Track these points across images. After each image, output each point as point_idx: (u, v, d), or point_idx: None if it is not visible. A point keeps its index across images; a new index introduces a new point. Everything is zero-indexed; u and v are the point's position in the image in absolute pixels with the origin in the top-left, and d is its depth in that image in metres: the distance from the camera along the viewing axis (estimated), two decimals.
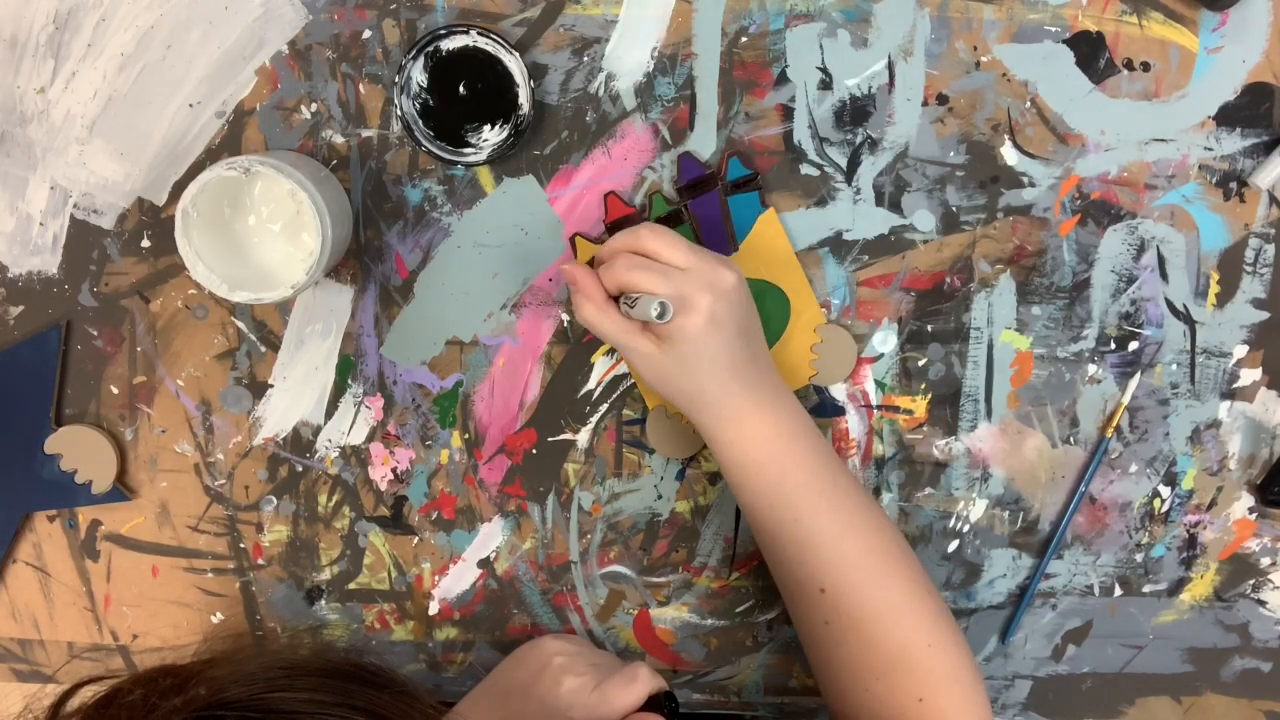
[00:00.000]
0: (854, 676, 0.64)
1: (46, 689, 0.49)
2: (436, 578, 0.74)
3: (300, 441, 0.72)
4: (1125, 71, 0.69)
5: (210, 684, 0.45)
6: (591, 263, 0.68)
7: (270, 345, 0.71)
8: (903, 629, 0.63)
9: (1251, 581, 0.76)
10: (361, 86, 0.68)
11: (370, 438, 0.72)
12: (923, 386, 0.73)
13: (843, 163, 0.70)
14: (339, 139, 0.69)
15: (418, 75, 0.67)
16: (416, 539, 0.73)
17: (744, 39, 0.68)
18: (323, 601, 0.74)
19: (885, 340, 0.72)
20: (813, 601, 0.64)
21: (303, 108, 0.68)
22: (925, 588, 0.65)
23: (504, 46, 0.66)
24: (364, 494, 0.73)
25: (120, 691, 0.46)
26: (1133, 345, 0.73)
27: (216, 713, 0.43)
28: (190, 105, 0.68)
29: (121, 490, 0.71)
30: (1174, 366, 0.73)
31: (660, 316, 0.58)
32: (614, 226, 0.69)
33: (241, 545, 0.73)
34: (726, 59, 0.69)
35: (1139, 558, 0.75)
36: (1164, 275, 0.72)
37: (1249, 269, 0.72)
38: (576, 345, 0.71)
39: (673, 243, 0.62)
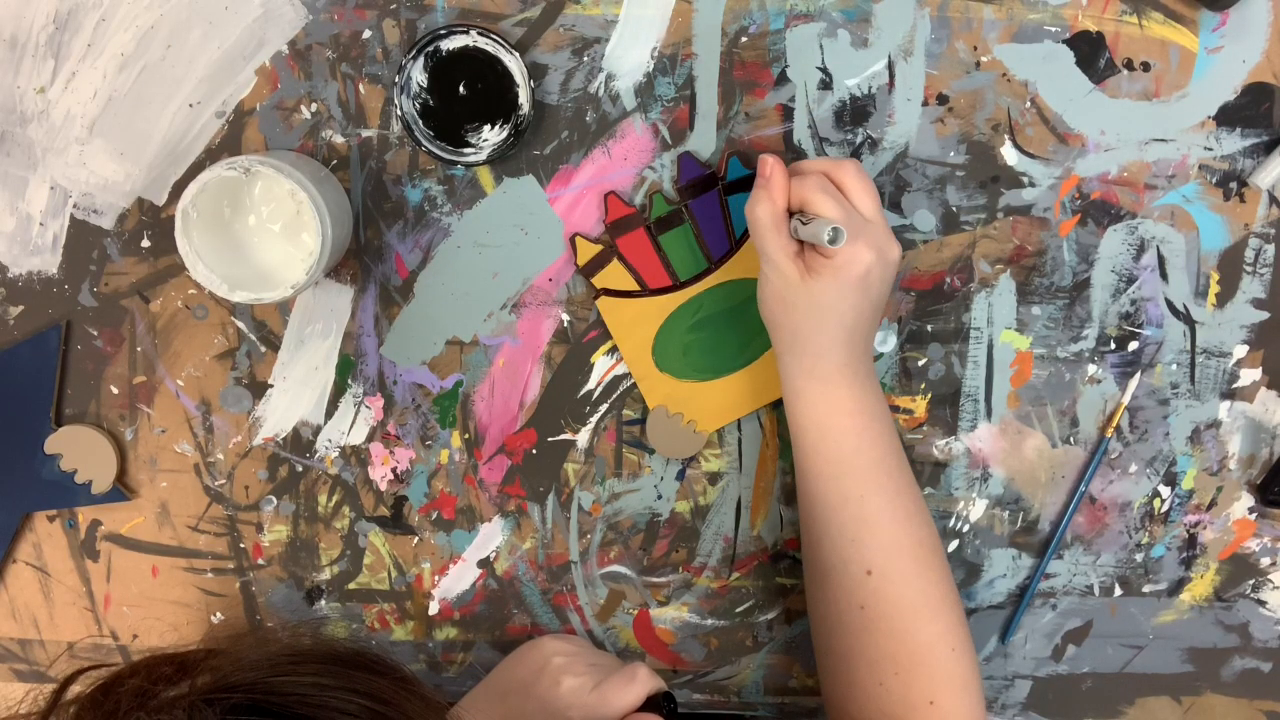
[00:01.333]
0: (872, 668, 0.64)
1: (46, 687, 0.49)
2: (436, 578, 0.74)
3: (300, 441, 0.72)
4: (1125, 71, 0.69)
5: (213, 671, 0.46)
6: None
7: (270, 345, 0.71)
8: (934, 627, 0.63)
9: (1251, 581, 0.76)
10: (361, 86, 0.68)
11: (370, 438, 0.72)
12: (923, 386, 0.73)
13: None
14: (339, 139, 0.69)
15: (418, 75, 0.67)
16: (416, 539, 0.73)
17: (744, 39, 0.68)
18: (323, 601, 0.74)
19: (885, 340, 0.72)
20: (855, 582, 0.63)
21: (303, 108, 0.68)
22: (955, 589, 0.65)
23: (504, 46, 0.66)
24: (364, 494, 0.73)
25: (120, 678, 0.46)
26: (1133, 345, 0.73)
27: (220, 696, 0.44)
28: (190, 105, 0.68)
29: (121, 490, 0.71)
30: (1174, 366, 0.73)
31: (832, 241, 0.57)
32: (614, 226, 0.69)
33: (241, 545, 0.73)
34: (726, 59, 0.69)
35: (1139, 558, 0.75)
36: (1164, 275, 0.72)
37: (1249, 269, 0.72)
38: (576, 345, 0.71)
39: (869, 189, 0.62)
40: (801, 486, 0.66)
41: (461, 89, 0.67)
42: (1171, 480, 0.74)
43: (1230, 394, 0.73)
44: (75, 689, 0.48)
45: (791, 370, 0.64)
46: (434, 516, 0.73)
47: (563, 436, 0.73)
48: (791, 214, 0.62)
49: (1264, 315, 0.72)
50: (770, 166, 0.62)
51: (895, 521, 0.63)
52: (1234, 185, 0.71)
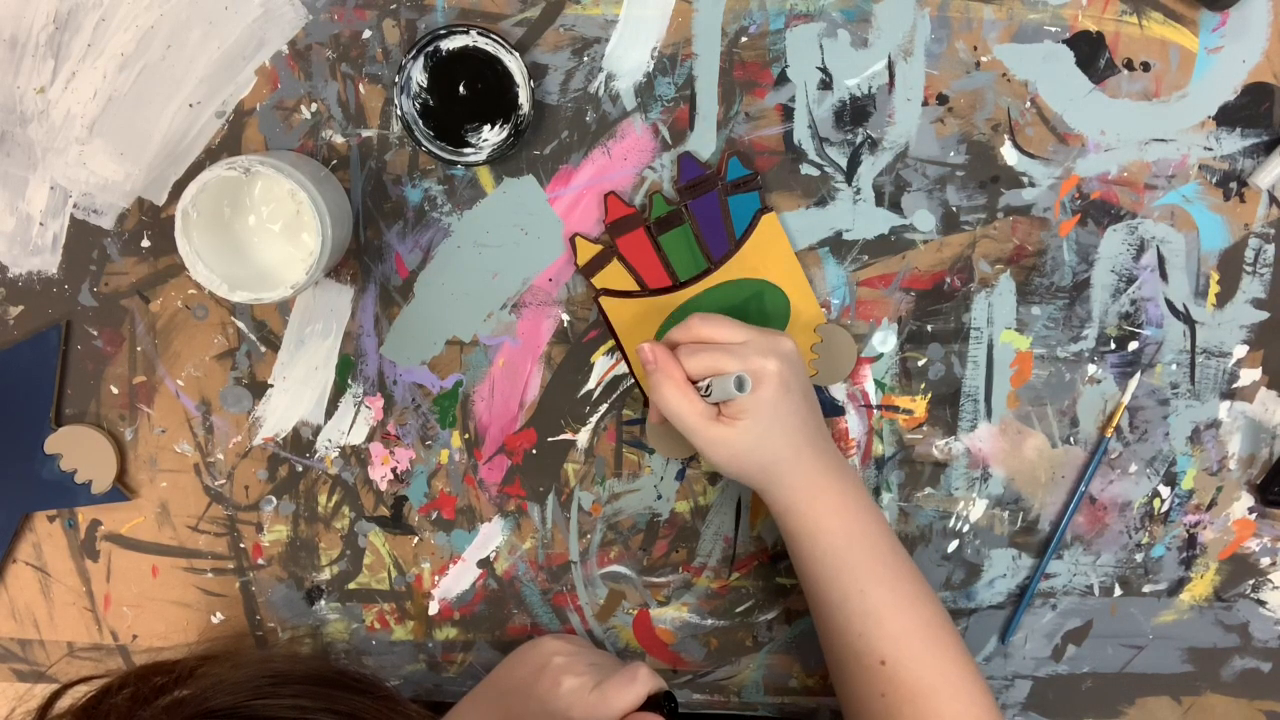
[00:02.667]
0: None
1: (35, 689, 0.49)
2: (436, 578, 0.74)
3: (300, 441, 0.72)
4: (1125, 71, 0.69)
5: (196, 690, 0.46)
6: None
7: (270, 345, 0.71)
8: (956, 705, 0.63)
9: (1251, 581, 0.76)
10: (361, 86, 0.68)
11: (370, 438, 0.72)
12: (923, 386, 0.73)
13: (843, 163, 0.70)
14: (339, 139, 0.69)
15: (418, 75, 0.67)
16: (416, 539, 0.73)
17: (744, 39, 0.68)
18: (323, 601, 0.74)
19: (885, 340, 0.72)
20: (871, 674, 0.64)
21: (303, 108, 0.68)
22: (972, 663, 0.65)
23: (504, 46, 0.66)
24: (364, 494, 0.73)
25: (110, 691, 0.46)
26: (1133, 345, 0.73)
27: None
28: (190, 105, 0.68)
29: (121, 490, 0.71)
30: (1174, 366, 0.73)
31: (740, 388, 0.59)
32: (614, 226, 0.69)
33: (241, 545, 0.73)
34: (726, 59, 0.69)
35: (1139, 558, 0.75)
36: (1164, 275, 0.72)
37: (1249, 269, 0.72)
38: (576, 345, 0.71)
39: (725, 322, 0.63)
40: (805, 590, 0.67)
41: (461, 89, 0.67)
42: (1171, 480, 0.74)
43: (1230, 394, 0.73)
44: (65, 701, 0.48)
45: (777, 495, 0.65)
46: (434, 516, 0.73)
47: (563, 436, 0.73)
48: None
49: (1264, 315, 0.72)
50: (650, 351, 0.63)
51: (899, 609, 0.64)
52: (1234, 185, 0.71)
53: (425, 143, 0.67)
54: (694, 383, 0.63)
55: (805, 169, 0.70)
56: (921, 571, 0.66)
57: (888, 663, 0.63)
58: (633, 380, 0.72)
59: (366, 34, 0.68)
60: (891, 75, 0.69)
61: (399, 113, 0.67)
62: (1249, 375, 0.73)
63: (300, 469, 0.72)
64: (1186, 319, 0.72)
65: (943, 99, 0.69)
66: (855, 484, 0.66)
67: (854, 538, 0.64)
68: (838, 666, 0.67)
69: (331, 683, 0.48)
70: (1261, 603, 0.76)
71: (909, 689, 0.63)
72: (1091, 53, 0.69)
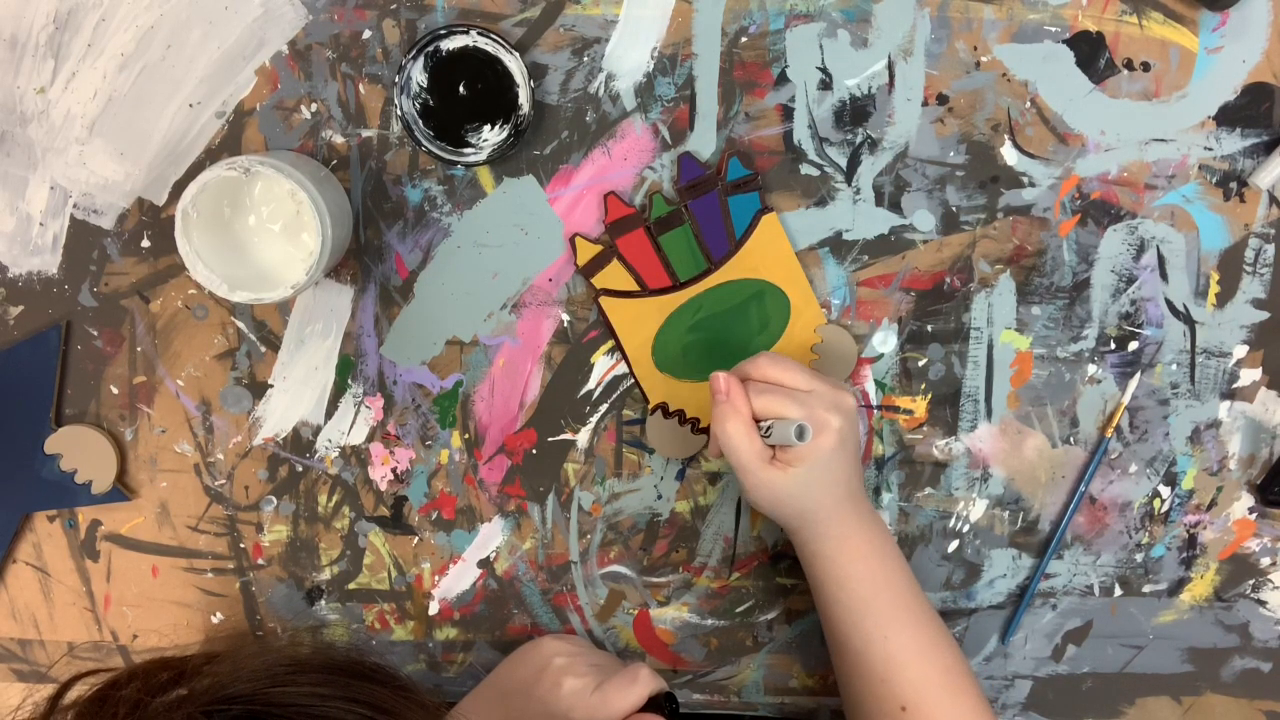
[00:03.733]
0: None
1: (43, 692, 0.49)
2: (436, 578, 0.74)
3: (300, 441, 0.72)
4: (1125, 71, 0.69)
5: (212, 679, 0.46)
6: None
7: (270, 345, 0.71)
8: None
9: (1251, 581, 0.76)
10: (361, 86, 0.68)
11: (370, 438, 0.72)
12: (923, 386, 0.73)
13: (843, 163, 0.70)
14: (339, 139, 0.69)
15: (418, 75, 0.67)
16: (416, 539, 0.73)
17: (744, 39, 0.68)
18: (323, 601, 0.74)
19: (885, 340, 0.72)
20: (892, 719, 0.64)
21: (303, 108, 0.68)
22: (989, 709, 0.65)
23: (504, 46, 0.66)
24: (364, 494, 0.73)
25: (117, 684, 0.46)
26: (1133, 345, 0.73)
27: (220, 708, 0.44)
28: (190, 105, 0.68)
29: (121, 490, 0.71)
30: (1174, 366, 0.73)
31: (800, 437, 0.59)
32: (614, 226, 0.69)
33: (241, 545, 0.73)
34: (726, 59, 0.69)
35: (1139, 558, 0.75)
36: (1164, 275, 0.72)
37: (1249, 269, 0.72)
38: (576, 345, 0.71)
39: (792, 367, 0.63)
40: (827, 632, 0.67)
41: (461, 89, 0.67)
42: (1171, 480, 0.74)
43: (1230, 394, 0.73)
44: (72, 694, 0.48)
45: (804, 539, 0.66)
46: (434, 516, 0.73)
47: (563, 436, 0.73)
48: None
49: (1264, 315, 0.72)
50: (725, 381, 0.63)
51: (922, 655, 0.64)
52: (1234, 185, 0.71)
53: (425, 143, 0.67)
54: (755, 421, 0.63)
55: (805, 169, 0.70)
56: (931, 605, 0.67)
57: (909, 709, 0.64)
58: (633, 380, 0.72)
59: (366, 34, 0.68)
60: (891, 75, 0.69)
61: (399, 113, 0.67)
62: (1249, 375, 0.73)
63: (300, 469, 0.72)
64: (1186, 319, 0.72)
65: (943, 99, 0.69)
66: (882, 532, 0.66)
67: (879, 584, 0.65)
68: (857, 709, 0.67)
69: (348, 671, 0.48)
70: (1261, 603, 0.76)
71: None
72: (1091, 53, 0.69)
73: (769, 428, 0.62)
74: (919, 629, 0.65)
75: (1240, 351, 0.73)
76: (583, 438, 0.73)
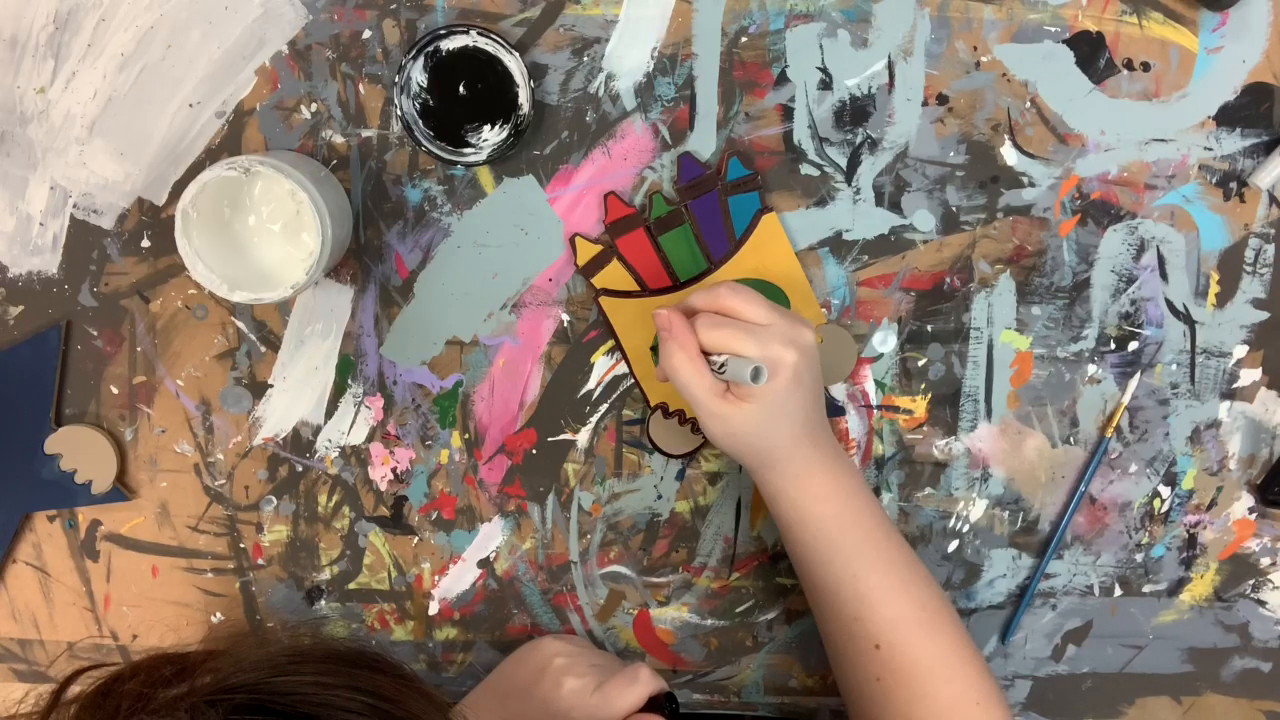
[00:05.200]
0: None
1: (46, 687, 0.49)
2: (436, 578, 0.74)
3: (300, 441, 0.72)
4: (1125, 71, 0.69)
5: (214, 671, 0.46)
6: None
7: (270, 345, 0.71)
8: (955, 685, 0.63)
9: (1251, 581, 0.76)
10: (361, 86, 0.68)
11: (370, 438, 0.72)
12: (923, 386, 0.73)
13: (843, 163, 0.70)
14: (339, 139, 0.69)
15: (418, 75, 0.67)
16: (416, 539, 0.73)
17: (744, 39, 0.68)
18: (323, 602, 0.74)
19: (885, 340, 0.72)
20: (867, 658, 0.64)
21: (303, 108, 0.68)
22: (971, 645, 0.65)
23: (504, 46, 0.66)
24: (364, 494, 0.73)
25: (120, 679, 0.46)
26: (1133, 345, 0.73)
27: (223, 696, 0.44)
28: (190, 105, 0.68)
29: (121, 490, 0.71)
30: (1174, 366, 0.73)
31: (755, 379, 0.58)
32: (614, 226, 0.69)
33: (241, 545, 0.73)
34: (726, 59, 0.69)
35: (1139, 558, 0.75)
36: (1164, 275, 0.72)
37: (1249, 269, 0.72)
38: (576, 345, 0.71)
39: (753, 300, 0.62)
40: (799, 575, 0.67)
41: (461, 89, 0.67)
42: (1171, 480, 0.74)
43: (1230, 394, 0.73)
44: (75, 689, 0.48)
45: (766, 479, 0.65)
46: (434, 516, 0.73)
47: (563, 436, 0.73)
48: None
49: (1264, 315, 0.72)
50: (665, 317, 0.62)
51: (894, 592, 0.64)
52: (1234, 185, 0.71)
53: (425, 143, 0.67)
54: (707, 354, 0.62)
55: (805, 169, 0.70)
56: (918, 558, 0.66)
57: (882, 647, 0.63)
58: (633, 380, 0.72)
59: (366, 34, 0.68)
60: (891, 75, 0.69)
61: (399, 113, 0.67)
62: (1249, 375, 0.73)
63: (300, 469, 0.72)
64: (1186, 319, 0.72)
65: (943, 99, 0.69)
66: (848, 472, 0.65)
67: (845, 524, 0.64)
68: (834, 651, 0.67)
69: (352, 661, 0.48)
70: (1261, 603, 0.76)
71: (905, 672, 0.63)
72: (1091, 53, 0.69)
73: (723, 364, 0.60)
74: (890, 567, 0.64)
75: (1240, 351, 0.73)
76: (583, 438, 0.73)
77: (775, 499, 0.65)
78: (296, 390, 0.71)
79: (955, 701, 0.63)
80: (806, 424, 0.63)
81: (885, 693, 0.64)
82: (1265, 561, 0.75)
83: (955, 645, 0.64)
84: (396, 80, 0.67)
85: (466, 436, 0.72)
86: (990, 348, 0.72)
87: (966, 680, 0.64)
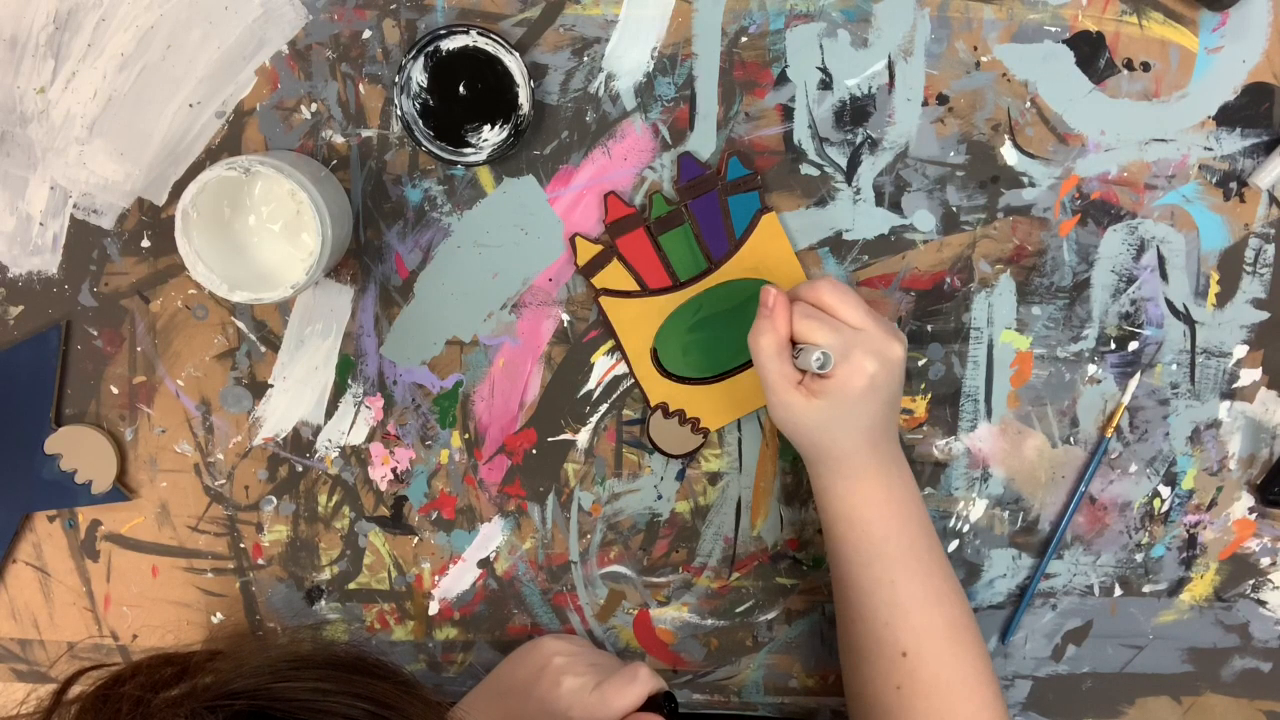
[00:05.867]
0: None
1: (46, 688, 0.49)
2: (436, 578, 0.74)
3: (300, 441, 0.72)
4: (1125, 71, 0.69)
5: (215, 675, 0.46)
6: None
7: (270, 345, 0.71)
8: (970, 705, 0.64)
9: (1251, 581, 0.76)
10: (361, 86, 0.68)
11: (370, 438, 0.72)
12: (923, 386, 0.73)
13: (843, 163, 0.70)
14: (339, 139, 0.69)
15: (418, 75, 0.67)
16: (416, 539, 0.73)
17: (744, 39, 0.68)
18: (323, 601, 0.74)
19: None
20: (891, 664, 0.64)
21: (303, 108, 0.68)
22: (990, 667, 0.65)
23: (504, 46, 0.66)
24: (364, 494, 0.73)
25: (120, 680, 0.46)
26: (1133, 345, 0.73)
27: (223, 703, 0.44)
28: (190, 105, 0.68)
29: (121, 490, 0.71)
30: (1174, 366, 0.73)
31: (821, 367, 0.58)
32: (614, 226, 0.70)
33: (241, 545, 0.73)
34: (726, 59, 0.69)
35: (1139, 558, 0.75)
36: (1164, 275, 0.72)
37: (1249, 269, 0.72)
38: (576, 345, 0.71)
39: (850, 301, 0.62)
40: (834, 572, 0.67)
41: (461, 89, 0.67)
42: (1171, 480, 0.74)
43: (1230, 394, 0.73)
44: (76, 689, 0.48)
45: (818, 471, 0.65)
46: (434, 516, 0.73)
47: (563, 436, 0.73)
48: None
49: (1264, 315, 0.72)
50: (774, 298, 0.62)
51: (927, 604, 0.64)
52: (1234, 185, 0.71)
53: (425, 143, 0.67)
54: (793, 341, 0.62)
55: (805, 169, 0.70)
56: (955, 575, 0.66)
57: (909, 655, 0.63)
58: (633, 380, 0.72)
59: (366, 34, 0.68)
60: (891, 75, 0.69)
61: (399, 113, 0.67)
62: (1249, 375, 0.73)
63: (300, 469, 0.72)
64: (1186, 319, 0.72)
65: (943, 99, 0.69)
66: (903, 482, 0.65)
67: (891, 530, 0.64)
68: (856, 654, 0.66)
69: (352, 667, 0.48)
70: (1261, 603, 0.76)
71: (926, 684, 0.63)
72: (1091, 53, 0.69)
73: (800, 350, 0.61)
74: (929, 578, 0.64)
75: (1240, 351, 0.73)
76: (583, 438, 0.73)
77: (824, 494, 0.65)
78: (296, 390, 0.71)
79: (971, 719, 0.63)
80: (871, 431, 0.63)
81: (903, 702, 0.64)
82: (1265, 561, 0.75)
83: (978, 664, 0.64)
84: (396, 80, 0.67)
85: (466, 436, 0.72)
86: (990, 348, 0.72)
87: (983, 700, 0.64)
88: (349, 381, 0.71)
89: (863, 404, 0.61)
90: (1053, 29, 0.69)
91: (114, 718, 0.44)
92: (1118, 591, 0.75)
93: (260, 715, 0.44)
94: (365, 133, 0.69)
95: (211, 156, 0.69)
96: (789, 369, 0.62)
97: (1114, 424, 0.73)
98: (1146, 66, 0.69)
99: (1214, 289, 0.72)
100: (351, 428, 0.72)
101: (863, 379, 0.60)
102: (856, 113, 0.69)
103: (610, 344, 0.71)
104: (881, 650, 0.64)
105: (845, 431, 0.62)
